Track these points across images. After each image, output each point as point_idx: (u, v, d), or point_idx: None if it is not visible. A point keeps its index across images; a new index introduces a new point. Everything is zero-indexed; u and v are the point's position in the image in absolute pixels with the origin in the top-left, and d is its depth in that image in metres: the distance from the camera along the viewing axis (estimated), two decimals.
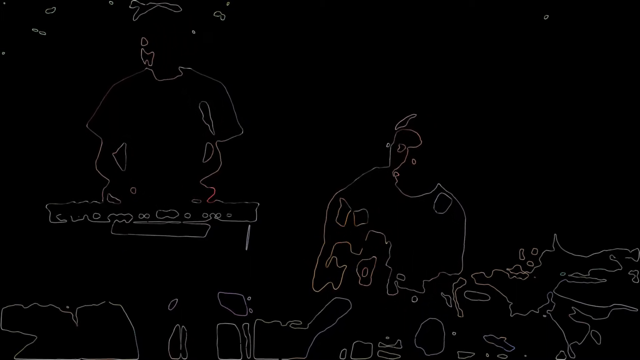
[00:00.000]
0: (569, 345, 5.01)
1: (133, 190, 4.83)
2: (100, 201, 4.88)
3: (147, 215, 4.83)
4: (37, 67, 5.43)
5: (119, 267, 4.93)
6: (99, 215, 4.84)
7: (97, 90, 5.02)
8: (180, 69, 4.94)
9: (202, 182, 4.92)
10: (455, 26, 5.51)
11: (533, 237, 5.25)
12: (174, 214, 4.84)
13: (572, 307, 5.03)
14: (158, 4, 4.89)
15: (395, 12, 5.52)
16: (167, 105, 4.90)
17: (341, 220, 4.98)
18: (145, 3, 4.92)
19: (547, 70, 5.51)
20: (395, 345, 4.92)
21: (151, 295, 4.88)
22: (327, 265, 4.95)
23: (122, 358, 5.13)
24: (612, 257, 5.12)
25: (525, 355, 4.99)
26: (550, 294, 5.04)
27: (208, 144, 4.94)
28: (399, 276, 4.89)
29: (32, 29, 5.41)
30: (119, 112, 4.92)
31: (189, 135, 4.90)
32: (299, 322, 5.20)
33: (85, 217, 4.84)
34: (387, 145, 4.98)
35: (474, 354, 4.94)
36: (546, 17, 5.49)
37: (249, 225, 4.93)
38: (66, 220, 4.85)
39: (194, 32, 5.01)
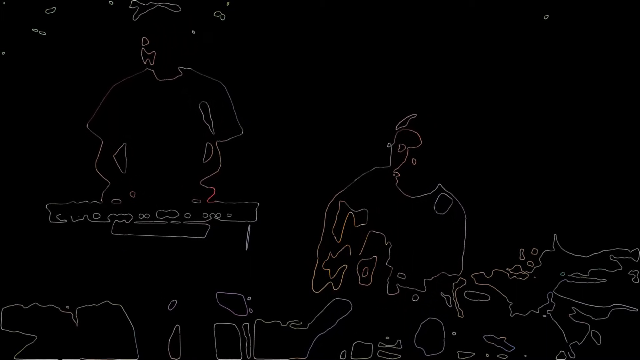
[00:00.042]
0: (569, 345, 5.01)
1: (132, 194, 4.83)
2: (100, 201, 4.88)
3: (147, 216, 4.83)
4: (37, 67, 5.43)
5: (119, 267, 4.93)
6: (99, 215, 4.84)
7: (97, 90, 5.02)
8: (180, 69, 4.94)
9: (202, 182, 4.92)
10: (455, 26, 5.51)
11: (533, 237, 5.25)
12: (174, 214, 4.84)
13: (572, 307, 5.03)
14: (158, 4, 4.89)
15: (395, 12, 5.52)
16: (167, 106, 4.90)
17: (338, 228, 4.98)
18: (145, 3, 4.92)
19: (547, 70, 5.51)
20: (395, 345, 4.92)
21: (151, 295, 4.88)
22: (323, 267, 4.96)
23: (122, 358, 5.13)
24: (612, 257, 5.12)
25: (525, 355, 4.99)
26: (550, 294, 5.04)
27: (208, 144, 4.94)
28: (400, 275, 4.89)
29: (32, 29, 5.41)
30: (119, 113, 4.92)
31: (189, 135, 4.90)
32: (299, 322, 5.20)
33: (85, 217, 4.84)
34: (388, 145, 4.98)
35: (474, 354, 4.94)
36: (546, 17, 5.49)
37: (249, 225, 4.93)
38: (66, 220, 4.85)
39: (194, 32, 5.01)
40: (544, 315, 5.01)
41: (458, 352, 4.93)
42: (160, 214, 4.83)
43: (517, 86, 5.51)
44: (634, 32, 5.50)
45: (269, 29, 5.50)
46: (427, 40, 5.51)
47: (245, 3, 5.47)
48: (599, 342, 5.03)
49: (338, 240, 4.97)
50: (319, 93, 5.50)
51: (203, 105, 4.92)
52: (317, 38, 5.50)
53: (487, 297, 4.97)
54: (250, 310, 5.22)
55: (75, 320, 5.25)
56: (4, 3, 5.41)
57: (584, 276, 5.08)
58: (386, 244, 4.90)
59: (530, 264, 5.10)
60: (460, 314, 4.93)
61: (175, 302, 4.90)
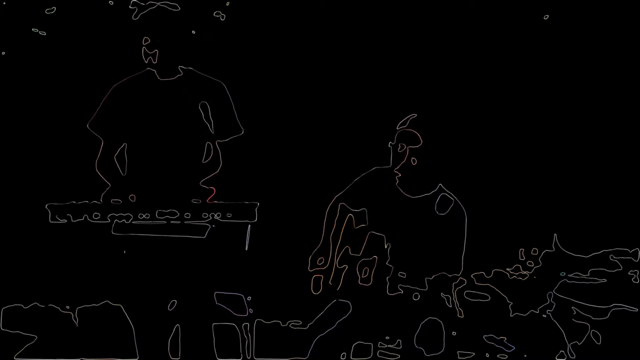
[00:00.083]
0: (569, 345, 5.01)
1: (132, 197, 4.83)
2: (100, 201, 4.88)
3: (147, 215, 4.83)
4: (37, 67, 5.43)
5: (119, 267, 4.93)
6: (99, 215, 4.84)
7: (97, 90, 5.02)
8: (181, 68, 4.94)
9: (202, 182, 4.92)
10: (455, 26, 5.51)
11: (533, 237, 5.25)
12: (174, 214, 4.84)
13: (572, 307, 5.03)
14: (158, 3, 4.89)
15: (396, 12, 5.52)
16: (168, 105, 4.90)
17: (336, 234, 4.99)
18: (145, 3, 4.92)
19: (547, 70, 5.51)
20: (395, 346, 4.92)
21: (151, 295, 4.88)
22: (318, 263, 4.96)
23: (122, 358, 5.13)
24: (612, 257, 5.12)
25: (525, 355, 4.99)
26: (550, 294, 5.04)
27: (208, 144, 4.94)
28: (400, 274, 4.89)
29: (32, 29, 5.41)
30: (119, 113, 4.91)
31: (189, 135, 4.90)
32: (299, 322, 5.20)
33: (85, 217, 4.84)
34: (390, 144, 4.98)
35: (474, 354, 4.94)
36: (546, 17, 5.49)
37: (249, 225, 4.93)
38: (66, 220, 4.85)
39: (194, 32, 5.01)
40: (544, 315, 5.01)
41: (458, 352, 4.93)
42: (160, 214, 4.83)
43: (517, 86, 5.51)
44: (634, 32, 5.50)
45: (269, 29, 5.50)
46: (427, 41, 5.51)
47: (245, 3, 5.47)
48: (599, 342, 5.03)
49: (336, 248, 4.97)
50: (319, 93, 5.51)
51: (203, 105, 4.92)
52: (317, 38, 5.50)
53: (487, 297, 4.97)
54: (250, 310, 5.22)
55: (75, 320, 5.25)
56: (4, 3, 5.41)
57: (584, 276, 5.08)
58: (386, 246, 4.90)
59: (530, 264, 5.10)
60: (460, 314, 4.93)
61: (175, 302, 4.90)
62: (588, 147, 5.51)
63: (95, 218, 4.84)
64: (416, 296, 4.89)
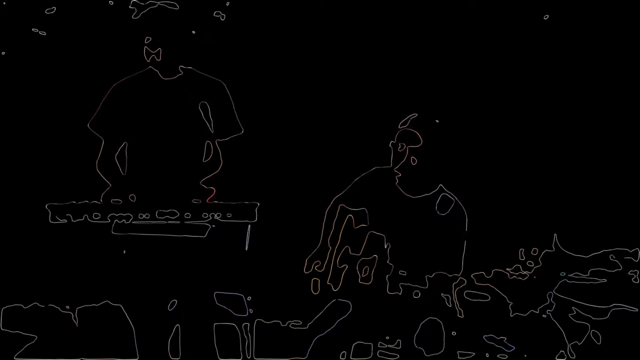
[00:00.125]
0: (569, 345, 5.02)
1: (132, 197, 4.83)
2: (100, 201, 4.88)
3: (147, 215, 4.83)
4: (37, 67, 5.43)
5: (119, 267, 4.92)
6: (99, 215, 4.84)
7: (97, 90, 5.02)
8: (181, 68, 4.94)
9: (202, 182, 4.92)
10: (455, 26, 5.51)
11: (533, 237, 5.25)
12: (174, 214, 4.84)
13: (572, 307, 5.03)
14: (159, 3, 4.89)
15: (396, 12, 5.52)
16: (168, 105, 4.90)
17: (335, 237, 4.98)
18: (145, 3, 4.91)
19: (547, 70, 5.51)
20: (395, 345, 4.92)
21: (151, 295, 4.88)
22: (314, 267, 4.96)
23: (122, 358, 5.13)
24: (612, 257, 5.12)
25: (525, 355, 4.99)
26: (550, 294, 5.04)
27: (208, 143, 4.94)
28: (401, 272, 4.89)
29: (32, 29, 5.41)
30: (119, 112, 4.91)
31: (189, 134, 4.90)
32: (299, 322, 5.20)
33: (85, 217, 4.84)
34: (391, 144, 4.98)
35: (474, 354, 4.94)
36: (546, 17, 5.49)
37: (249, 225, 4.93)
38: (66, 221, 4.85)
39: (194, 32, 5.01)
40: (544, 315, 5.01)
41: (458, 352, 4.93)
42: (160, 214, 4.83)
43: (517, 86, 5.51)
44: (634, 32, 5.50)
45: (269, 29, 5.50)
46: (427, 41, 5.51)
47: (245, 3, 5.47)
48: (599, 342, 5.03)
49: (334, 251, 4.97)
50: (319, 93, 5.51)
51: (203, 105, 4.92)
52: (317, 38, 5.50)
53: (487, 297, 4.97)
54: (250, 310, 5.22)
55: (75, 320, 5.25)
56: (4, 3, 5.42)
57: (584, 276, 5.08)
58: (385, 246, 4.90)
59: (530, 264, 5.10)
60: (460, 314, 4.93)
61: (175, 302, 4.90)
62: (588, 147, 5.51)
63: (95, 218, 4.84)
64: (417, 294, 4.89)
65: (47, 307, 5.26)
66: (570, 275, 5.08)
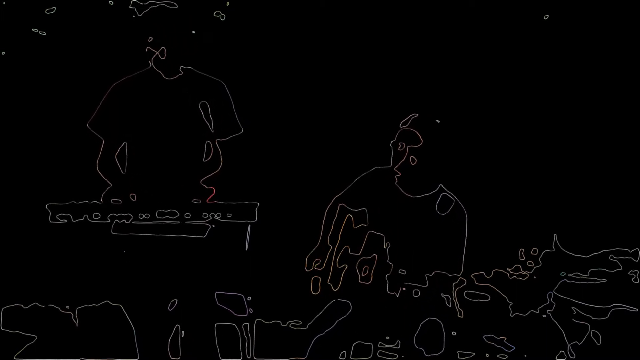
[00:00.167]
0: (569, 345, 5.02)
1: (133, 197, 4.83)
2: (100, 201, 4.88)
3: (147, 215, 4.83)
4: (37, 67, 5.43)
5: (119, 267, 4.93)
6: (99, 215, 4.84)
7: (97, 90, 5.02)
8: (181, 68, 4.94)
9: (202, 181, 4.92)
10: (455, 26, 5.51)
11: (533, 237, 5.25)
12: (174, 214, 4.84)
13: (572, 307, 5.03)
14: (158, 3, 4.89)
15: (395, 12, 5.52)
16: (168, 104, 4.90)
17: (334, 235, 4.99)
18: (145, 3, 4.92)
19: (547, 70, 5.51)
20: (395, 346, 4.92)
21: (151, 295, 4.88)
22: (314, 265, 4.96)
23: (122, 358, 5.13)
24: (612, 257, 5.12)
25: (525, 355, 4.99)
26: (550, 294, 5.04)
27: (208, 143, 4.94)
28: (400, 271, 4.89)
29: (32, 29, 5.41)
30: (119, 112, 4.91)
31: (189, 134, 4.90)
32: (299, 322, 5.20)
33: (85, 217, 4.84)
34: (391, 143, 4.99)
35: (474, 354, 4.94)
36: (546, 17, 5.49)
37: (249, 225, 4.93)
38: (66, 220, 4.85)
39: (194, 32, 5.01)
40: (544, 315, 5.01)
41: (458, 352, 4.93)
42: (160, 214, 4.83)
43: (517, 86, 5.51)
44: (634, 32, 5.50)
45: (269, 29, 5.50)
46: (427, 41, 5.51)
47: (245, 3, 5.47)
48: (599, 342, 5.03)
49: (334, 250, 4.97)
50: (319, 93, 5.51)
51: (203, 104, 4.92)
52: (317, 38, 5.50)
53: (487, 297, 4.97)
54: (250, 310, 5.22)
55: (75, 320, 5.25)
56: (4, 3, 5.41)
57: (584, 276, 5.08)
58: (385, 246, 4.90)
59: (530, 264, 5.10)
60: (460, 314, 4.93)
61: (175, 302, 4.90)
62: (588, 147, 5.51)
63: (96, 218, 4.84)
64: (416, 293, 4.89)
65: (47, 307, 5.26)
66: (570, 275, 5.08)
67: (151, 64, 4.89)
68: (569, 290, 5.05)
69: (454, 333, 4.91)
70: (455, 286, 4.93)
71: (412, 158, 4.92)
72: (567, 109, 5.52)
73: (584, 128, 5.51)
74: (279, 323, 5.23)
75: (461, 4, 5.51)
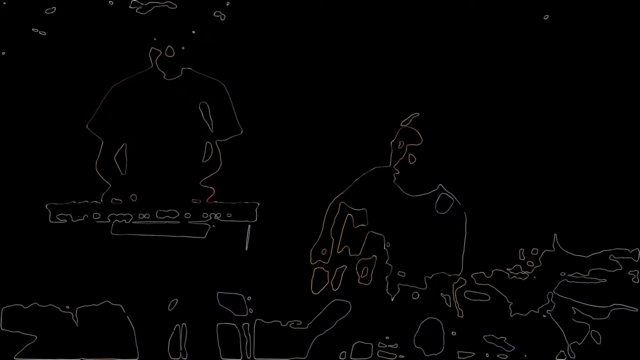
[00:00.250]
0: (569, 345, 5.02)
1: (133, 197, 4.83)
2: (100, 201, 4.88)
3: (147, 215, 4.83)
4: (37, 67, 5.43)
5: (119, 267, 4.93)
6: (99, 216, 4.84)
7: (97, 90, 5.02)
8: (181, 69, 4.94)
9: (202, 182, 4.92)
10: (455, 26, 5.51)
11: (533, 237, 5.25)
12: (174, 214, 4.84)
13: (572, 307, 5.03)
14: (162, 3, 4.89)
15: (395, 12, 5.52)
16: (168, 105, 4.90)
17: (337, 230, 4.99)
18: (145, 3, 4.92)
19: (547, 70, 5.51)
20: (394, 346, 4.92)
21: (151, 295, 4.88)
22: (322, 254, 4.96)
23: (122, 358, 5.13)
24: (612, 257, 5.12)
25: (525, 355, 4.99)
26: (550, 294, 5.04)
27: (208, 144, 4.94)
28: (400, 273, 4.89)
29: (32, 29, 5.41)
30: (119, 113, 4.91)
31: (189, 135, 4.90)
32: (299, 322, 5.20)
33: (85, 217, 4.84)
34: (391, 142, 4.99)
35: (474, 354, 4.94)
36: (546, 17, 5.49)
37: (249, 225, 4.93)
38: (66, 221, 4.85)
39: (194, 32, 5.01)
40: (544, 315, 5.01)
41: (458, 352, 4.93)
42: (160, 214, 4.83)
43: (517, 86, 5.51)
44: (634, 32, 5.50)
45: (269, 29, 5.50)
46: (427, 41, 5.51)
47: (245, 3, 5.47)
48: (599, 342, 5.03)
49: (337, 243, 4.97)
50: (319, 93, 5.50)
51: (203, 105, 4.92)
52: (317, 38, 5.50)
53: (487, 297, 4.97)
54: (250, 310, 5.22)
55: (75, 320, 5.25)
56: (4, 3, 5.41)
57: (584, 276, 5.08)
58: (385, 247, 4.90)
59: (530, 264, 5.10)
60: (460, 314, 4.93)
61: (175, 302, 4.90)
62: (588, 147, 5.50)
63: (96, 218, 4.84)
64: (415, 295, 4.89)
65: (47, 307, 5.26)
66: (570, 275, 5.08)
67: (155, 64, 4.88)
68: (569, 290, 5.05)
69: (454, 333, 4.91)
70: (455, 286, 4.93)
71: (410, 156, 4.93)
72: (567, 109, 5.52)
73: (583, 128, 5.51)
74: (279, 323, 5.23)
75: (461, 4, 5.51)
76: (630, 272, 5.07)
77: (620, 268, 5.08)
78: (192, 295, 4.89)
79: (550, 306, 5.02)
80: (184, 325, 4.93)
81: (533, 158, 5.50)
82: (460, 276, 4.94)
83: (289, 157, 5.49)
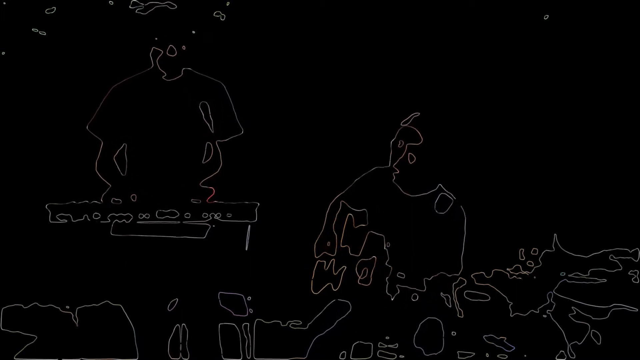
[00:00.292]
0: (569, 345, 5.01)
1: (133, 197, 4.83)
2: (100, 201, 4.89)
3: (147, 216, 4.83)
4: (37, 67, 5.43)
5: (119, 267, 4.93)
6: (99, 216, 4.84)
7: (97, 90, 5.02)
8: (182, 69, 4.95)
9: (202, 182, 4.92)
10: (455, 26, 5.51)
11: (533, 237, 5.24)
12: (174, 214, 4.84)
13: (572, 307, 5.03)
14: (163, 3, 4.89)
15: (395, 12, 5.52)
16: (168, 106, 4.90)
17: (340, 223, 4.98)
18: (145, 3, 4.92)
19: (547, 70, 5.51)
20: (394, 346, 4.92)
21: (151, 295, 4.88)
22: (325, 268, 4.96)
23: (122, 358, 5.13)
24: (612, 257, 5.12)
25: (525, 355, 4.99)
26: (550, 294, 5.04)
27: (208, 144, 4.94)
28: (399, 274, 4.89)
29: (32, 29, 5.41)
30: (118, 114, 4.92)
31: (189, 135, 4.90)
32: (299, 322, 5.20)
33: (85, 217, 4.84)
34: (391, 142, 4.99)
35: (474, 354, 4.94)
36: (546, 17, 5.49)
37: (249, 225, 4.93)
38: (66, 221, 4.85)
39: (194, 32, 5.01)
40: (544, 315, 5.01)
41: (458, 352, 4.93)
42: (160, 214, 4.83)
43: (517, 86, 5.51)
44: (634, 32, 5.50)
45: (268, 29, 5.50)
46: (427, 41, 5.51)
47: (245, 3, 5.47)
48: (599, 342, 5.03)
49: (340, 238, 4.97)
50: (319, 93, 5.50)
51: (203, 105, 4.92)
52: (317, 38, 5.50)
53: (487, 297, 4.97)
54: (250, 310, 5.22)
55: (75, 320, 5.25)
56: (4, 3, 5.41)
57: (584, 276, 5.08)
58: (385, 247, 4.90)
59: (530, 264, 5.10)
60: (460, 314, 4.93)
61: (175, 301, 4.90)
62: (588, 147, 5.50)
63: (96, 218, 4.84)
64: (414, 297, 4.89)
65: (47, 307, 5.26)
66: (570, 275, 5.08)
67: (156, 64, 4.88)
68: (569, 290, 5.05)
69: (453, 333, 4.91)
70: (455, 286, 4.93)
71: (410, 156, 4.93)
72: (567, 109, 5.52)
73: (583, 128, 5.51)
74: (279, 323, 5.23)
75: (461, 4, 5.51)
76: (630, 272, 5.07)
77: (620, 268, 5.08)
78: (192, 296, 4.89)
79: (550, 306, 5.02)
80: (184, 325, 4.93)
81: (533, 158, 5.50)
82: (460, 276, 4.94)
83: (289, 157, 5.49)
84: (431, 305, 4.91)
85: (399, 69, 5.51)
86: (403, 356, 4.90)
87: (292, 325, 5.21)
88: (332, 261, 4.95)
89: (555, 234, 5.18)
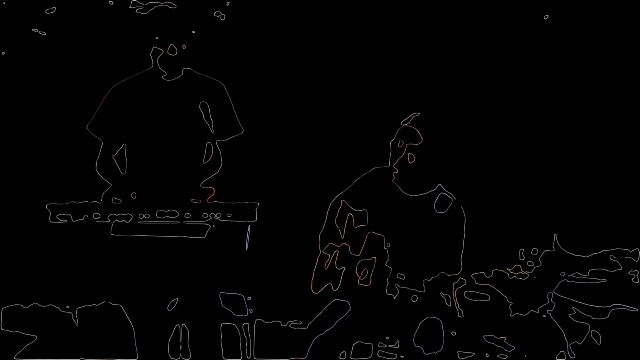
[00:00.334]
0: (568, 345, 5.01)
1: (134, 195, 4.83)
2: (100, 201, 4.89)
3: (147, 216, 4.83)
4: (37, 67, 5.43)
5: (119, 267, 4.93)
6: (99, 215, 4.84)
7: (97, 90, 5.02)
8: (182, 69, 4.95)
9: (202, 182, 4.92)
10: (455, 26, 5.51)
11: (533, 237, 5.24)
12: (174, 214, 4.84)
13: (572, 307, 5.03)
14: (162, 3, 4.89)
15: (395, 12, 5.52)
16: (168, 106, 4.90)
17: (341, 222, 4.98)
18: (145, 3, 4.92)
19: (547, 70, 5.51)
20: (394, 345, 4.92)
21: (151, 295, 4.88)
22: (326, 268, 4.96)
23: (122, 358, 5.13)
24: (612, 257, 5.12)
25: (525, 355, 4.99)
26: (550, 294, 5.04)
27: (208, 144, 4.94)
28: (399, 275, 4.89)
29: (32, 29, 5.41)
30: (118, 114, 4.92)
31: (189, 135, 4.90)
32: (299, 322, 5.20)
33: (85, 217, 4.84)
34: (391, 142, 4.99)
35: (474, 354, 4.94)
36: (546, 17, 5.49)
37: (249, 225, 4.93)
38: (66, 221, 4.85)
39: (194, 32, 5.01)
40: (544, 315, 5.01)
41: (458, 352, 4.93)
42: (160, 214, 4.83)
43: (517, 86, 5.51)
44: (634, 32, 5.50)
45: (268, 29, 5.50)
46: (427, 41, 5.51)
47: (245, 3, 5.47)
48: (599, 342, 5.03)
49: (342, 233, 4.97)
50: (319, 93, 5.50)
51: (203, 105, 4.92)
52: (317, 38, 5.50)
53: (487, 297, 4.97)
54: (250, 310, 5.22)
55: (75, 320, 5.25)
56: (4, 3, 5.42)
57: (584, 276, 5.08)
58: (385, 247, 4.90)
59: (530, 264, 5.10)
60: (460, 314, 4.93)
61: (175, 301, 4.90)
62: (588, 147, 5.50)
63: (96, 218, 4.84)
64: (414, 298, 4.89)
65: (47, 307, 5.26)
66: (570, 275, 5.08)
67: (157, 63, 4.88)
68: (569, 290, 5.05)
69: (453, 333, 4.91)
70: (455, 286, 4.93)
71: (410, 155, 4.93)
72: (567, 109, 5.52)
73: (583, 128, 5.51)
74: (279, 323, 5.23)
75: (461, 4, 5.51)
76: (630, 272, 5.07)
77: (620, 268, 5.08)
78: (192, 296, 4.89)
79: (550, 306, 5.02)
80: (184, 325, 4.93)
81: (533, 158, 5.50)
82: (460, 276, 4.94)
83: (289, 157, 5.49)
84: (431, 305, 4.91)
85: (399, 69, 5.51)
86: (403, 356, 4.90)
87: (292, 325, 5.21)
88: (336, 253, 4.94)
89: (555, 234, 5.17)
